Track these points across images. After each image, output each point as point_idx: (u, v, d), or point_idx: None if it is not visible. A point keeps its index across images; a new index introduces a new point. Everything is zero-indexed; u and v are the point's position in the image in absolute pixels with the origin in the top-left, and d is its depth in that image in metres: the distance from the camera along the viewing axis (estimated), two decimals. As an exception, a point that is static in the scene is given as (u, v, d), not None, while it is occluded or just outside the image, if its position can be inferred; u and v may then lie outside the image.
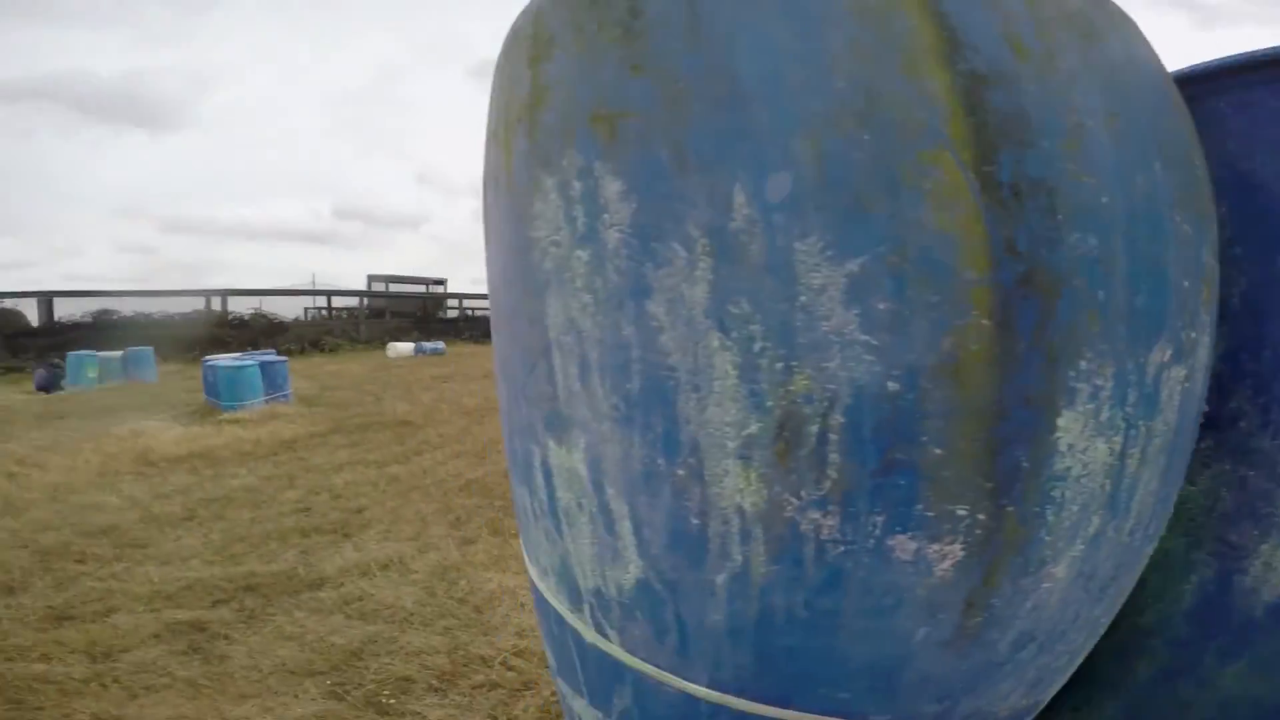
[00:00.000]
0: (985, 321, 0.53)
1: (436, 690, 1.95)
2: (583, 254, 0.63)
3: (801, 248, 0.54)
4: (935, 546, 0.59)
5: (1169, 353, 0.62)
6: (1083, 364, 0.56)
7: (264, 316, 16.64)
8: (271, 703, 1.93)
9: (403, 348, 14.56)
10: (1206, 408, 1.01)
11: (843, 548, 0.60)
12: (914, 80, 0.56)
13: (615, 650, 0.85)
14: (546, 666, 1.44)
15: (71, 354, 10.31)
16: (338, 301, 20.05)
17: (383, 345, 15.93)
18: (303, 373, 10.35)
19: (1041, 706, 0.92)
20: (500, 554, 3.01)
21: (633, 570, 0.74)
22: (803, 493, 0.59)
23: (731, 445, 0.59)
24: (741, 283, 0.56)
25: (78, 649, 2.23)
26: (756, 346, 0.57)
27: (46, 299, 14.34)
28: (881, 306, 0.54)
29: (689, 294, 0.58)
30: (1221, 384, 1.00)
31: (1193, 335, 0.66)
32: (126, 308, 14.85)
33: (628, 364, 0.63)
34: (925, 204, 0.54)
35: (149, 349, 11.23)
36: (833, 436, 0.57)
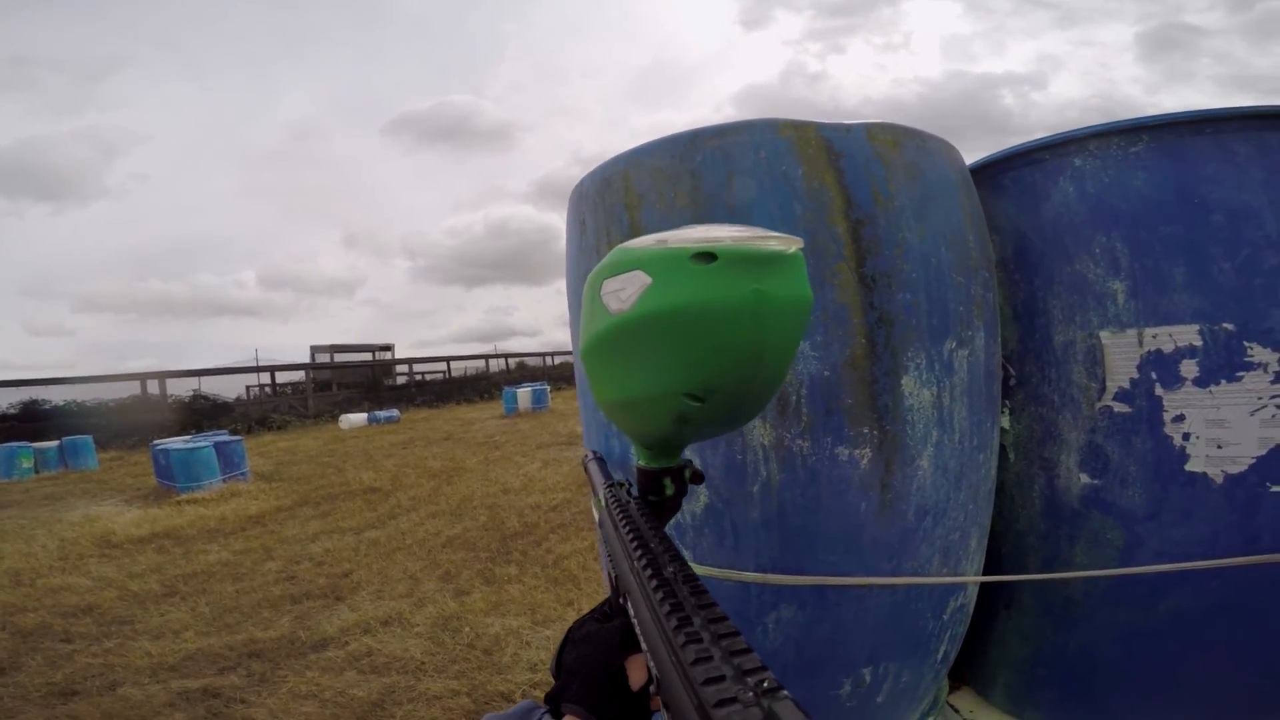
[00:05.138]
0: (863, 340, 1.15)
1: (467, 728, 2.02)
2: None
3: (780, 315, 1.14)
4: (857, 451, 1.17)
5: (955, 344, 1.24)
6: (909, 353, 1.17)
7: (205, 398, 16.14)
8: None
9: (355, 418, 14.43)
10: (1014, 373, 1.65)
11: (814, 457, 1.17)
12: (831, 227, 1.16)
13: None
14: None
15: (1, 446, 9.95)
16: (281, 377, 19.55)
17: (333, 418, 15.73)
18: (255, 451, 10.10)
19: (966, 585, 1.34)
20: (498, 600, 3.06)
21: (702, 499, 1.24)
22: (792, 431, 1.17)
23: (756, 412, 1.18)
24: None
25: (96, 723, 2.20)
26: (764, 362, 1.16)
27: (-34, 391, 13.53)
28: (819, 338, 1.14)
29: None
30: (1023, 357, 1.62)
31: (968, 334, 1.28)
32: (56, 396, 14.30)
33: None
34: (835, 289, 1.16)
35: (88, 437, 10.86)
36: (803, 400, 1.17)
